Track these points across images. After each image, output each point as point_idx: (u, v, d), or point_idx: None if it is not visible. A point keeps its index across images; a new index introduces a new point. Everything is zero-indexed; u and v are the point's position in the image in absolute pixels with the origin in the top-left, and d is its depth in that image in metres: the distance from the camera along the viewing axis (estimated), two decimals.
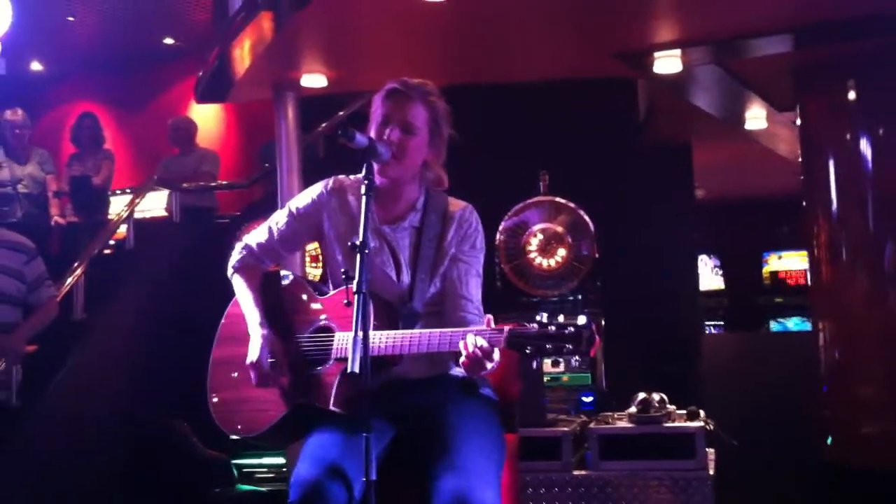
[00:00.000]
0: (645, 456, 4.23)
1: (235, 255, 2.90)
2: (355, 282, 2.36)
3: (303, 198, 2.86)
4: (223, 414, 2.78)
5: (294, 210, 2.86)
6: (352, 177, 2.82)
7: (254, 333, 2.72)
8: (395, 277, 2.74)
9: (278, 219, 2.88)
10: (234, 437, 2.79)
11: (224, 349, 2.84)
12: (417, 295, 2.72)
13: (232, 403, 2.76)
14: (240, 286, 2.85)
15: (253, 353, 2.68)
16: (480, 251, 2.82)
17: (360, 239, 2.39)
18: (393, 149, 2.66)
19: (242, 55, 5.07)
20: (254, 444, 2.89)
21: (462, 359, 2.42)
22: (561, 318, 2.35)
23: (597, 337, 2.34)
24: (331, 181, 2.85)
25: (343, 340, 2.58)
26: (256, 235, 2.90)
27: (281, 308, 2.78)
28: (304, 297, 2.81)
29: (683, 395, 4.68)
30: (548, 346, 2.34)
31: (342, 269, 2.62)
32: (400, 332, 2.54)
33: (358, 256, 2.38)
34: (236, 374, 2.77)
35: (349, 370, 2.28)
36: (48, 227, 7.45)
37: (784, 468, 5.59)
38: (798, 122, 5.30)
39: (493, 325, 2.44)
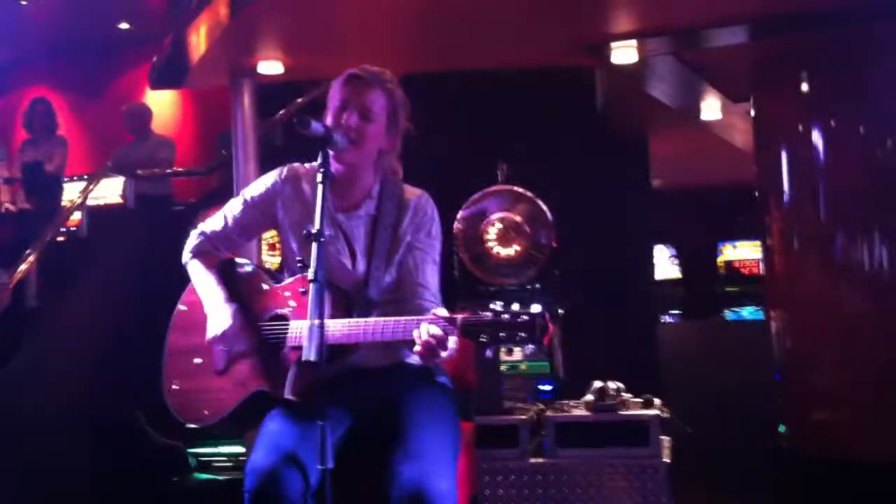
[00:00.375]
0: (601, 443, 4.27)
1: (192, 242, 2.89)
2: (311, 270, 2.36)
3: (257, 186, 2.85)
4: (180, 403, 2.76)
5: (248, 198, 2.85)
6: (307, 165, 2.82)
7: (218, 309, 2.70)
8: (350, 266, 2.74)
9: (233, 207, 2.87)
10: (192, 425, 2.77)
11: (179, 338, 2.83)
12: (373, 284, 2.72)
13: (188, 393, 2.75)
14: (198, 269, 2.83)
15: (220, 325, 2.66)
16: (437, 239, 2.83)
17: (316, 227, 2.39)
18: (351, 134, 2.66)
19: (198, 41, 5.02)
20: (211, 432, 2.88)
21: (416, 347, 2.42)
22: (516, 306, 2.36)
23: (550, 325, 2.35)
24: (285, 169, 2.84)
25: (298, 329, 2.57)
26: (212, 223, 2.89)
27: (237, 296, 2.77)
28: (261, 284, 2.80)
29: (641, 383, 4.72)
30: (501, 333, 2.34)
31: (297, 258, 2.62)
32: (355, 321, 2.54)
33: (314, 245, 2.38)
34: (193, 363, 2.76)
35: (304, 358, 2.28)
36: None
37: (738, 455, 5.66)
38: (752, 112, 5.35)
39: (447, 314, 2.44)
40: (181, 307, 2.88)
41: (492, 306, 2.37)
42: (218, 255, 2.88)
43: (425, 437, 2.51)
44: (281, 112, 7.31)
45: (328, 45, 5.14)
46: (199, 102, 10.25)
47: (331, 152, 2.55)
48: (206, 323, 2.72)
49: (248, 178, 5.23)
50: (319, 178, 2.46)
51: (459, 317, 2.40)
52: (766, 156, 5.17)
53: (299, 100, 7.20)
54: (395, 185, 2.82)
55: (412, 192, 2.83)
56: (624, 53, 4.95)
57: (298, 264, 2.49)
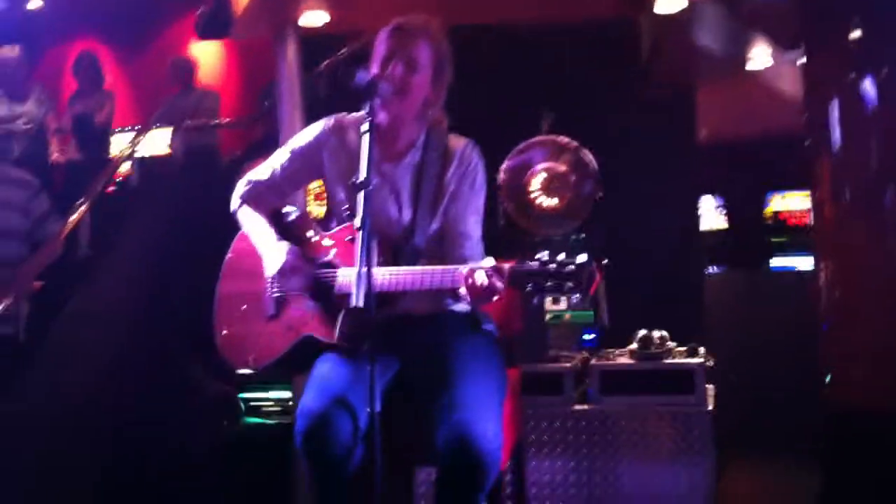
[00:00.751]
0: (645, 391, 4.30)
1: (240, 189, 2.93)
2: (357, 218, 2.39)
3: (303, 136, 2.88)
4: (230, 347, 2.82)
5: (295, 148, 2.88)
6: (352, 115, 2.84)
7: (273, 247, 2.75)
8: (396, 215, 2.76)
9: (280, 157, 2.90)
10: (242, 370, 2.83)
11: (230, 284, 2.88)
12: (419, 232, 2.75)
13: (238, 337, 2.80)
14: (248, 214, 2.88)
15: (277, 261, 2.71)
16: (481, 188, 2.84)
17: (362, 177, 2.41)
18: (396, 84, 2.66)
19: None
20: (261, 375, 2.94)
21: (464, 289, 2.44)
22: (562, 256, 2.37)
23: (597, 274, 2.37)
24: (331, 120, 2.86)
25: (347, 276, 2.61)
26: (259, 172, 2.92)
27: (290, 240, 2.81)
28: (309, 233, 2.83)
29: (685, 332, 4.72)
30: (548, 283, 2.37)
31: (344, 207, 2.65)
32: (402, 269, 2.58)
33: (360, 194, 2.40)
34: (243, 309, 2.81)
35: (353, 305, 2.32)
36: (47, 164, 7.44)
37: (782, 405, 5.66)
38: (802, 61, 5.27)
39: (493, 263, 2.46)
40: (230, 254, 2.93)
41: (538, 256, 2.39)
42: (266, 202, 2.92)
43: (470, 383, 2.55)
44: (325, 63, 7.31)
45: None
46: (244, 54, 10.26)
47: (376, 102, 2.57)
48: (256, 270, 2.77)
49: (292, 130, 5.23)
50: (365, 127, 2.48)
51: (507, 266, 2.42)
52: (816, 105, 5.08)
53: (343, 51, 7.20)
54: (441, 134, 2.83)
55: (457, 142, 2.84)
56: (670, 1, 4.88)
57: (346, 213, 2.51)
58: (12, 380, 4.78)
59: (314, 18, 5.26)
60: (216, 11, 5.44)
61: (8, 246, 4.62)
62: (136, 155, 7.44)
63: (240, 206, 2.92)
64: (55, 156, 7.52)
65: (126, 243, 6.50)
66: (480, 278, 2.42)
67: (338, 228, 2.78)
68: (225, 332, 2.85)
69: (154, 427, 5.57)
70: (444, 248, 2.77)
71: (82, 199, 6.24)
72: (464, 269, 2.46)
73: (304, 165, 2.88)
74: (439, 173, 2.79)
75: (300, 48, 5.44)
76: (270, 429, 5.94)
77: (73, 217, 6.10)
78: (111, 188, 7.45)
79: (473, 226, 2.80)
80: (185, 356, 5.98)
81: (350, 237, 2.43)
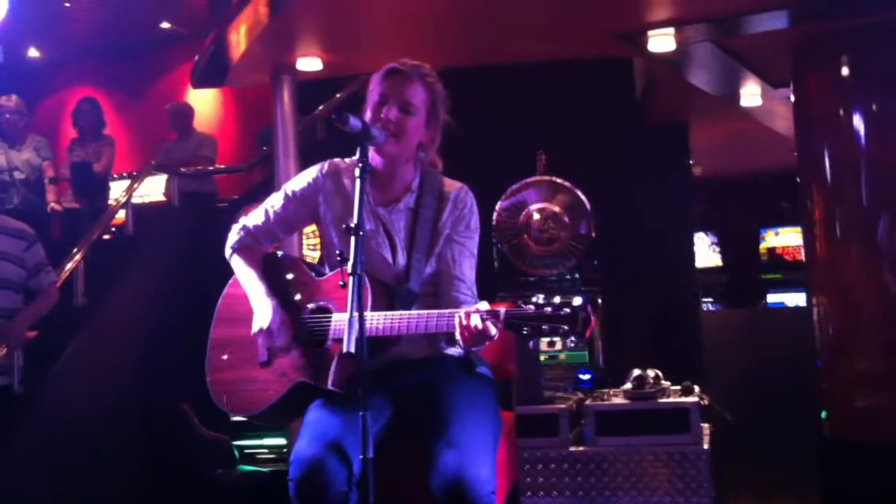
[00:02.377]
0: (641, 431, 4.29)
1: (233, 237, 2.93)
2: (350, 263, 2.40)
3: (298, 181, 2.89)
4: (223, 394, 2.81)
5: (290, 193, 2.89)
6: (347, 160, 2.85)
7: (261, 303, 2.75)
8: (390, 259, 2.77)
9: (274, 202, 2.91)
10: (235, 415, 2.83)
11: (222, 330, 2.88)
12: (414, 276, 2.75)
13: (231, 383, 2.80)
14: (240, 264, 2.88)
15: (263, 320, 2.71)
16: (475, 232, 2.85)
17: (355, 221, 2.43)
18: (391, 128, 2.69)
19: (238, 39, 5.08)
20: (255, 422, 2.93)
21: (458, 333, 2.45)
22: (557, 299, 2.38)
23: (592, 318, 2.37)
24: (326, 164, 2.87)
25: (340, 321, 2.61)
26: (253, 217, 2.93)
27: (280, 288, 2.81)
28: (302, 277, 2.84)
29: (681, 371, 4.73)
30: (544, 326, 2.37)
31: (337, 251, 2.66)
32: (397, 313, 2.58)
33: (353, 238, 2.42)
34: (236, 354, 2.81)
35: (345, 350, 2.32)
36: (45, 213, 7.46)
37: (780, 442, 5.63)
38: (793, 98, 5.31)
39: (488, 307, 2.47)
40: (224, 299, 2.94)
41: (534, 299, 2.40)
42: (260, 248, 2.93)
43: (466, 425, 2.54)
44: (320, 107, 7.38)
45: (365, 42, 5.18)
46: (240, 100, 10.35)
47: (370, 146, 2.59)
48: (249, 315, 2.78)
49: (289, 173, 5.29)
50: (358, 172, 2.50)
51: (502, 310, 2.42)
52: (808, 141, 5.13)
53: (338, 95, 7.26)
54: (435, 177, 2.85)
55: (452, 185, 2.86)
56: (661, 42, 4.92)
57: (338, 258, 2.53)
58: (9, 430, 4.76)
59: (309, 64, 5.32)
60: (212, 60, 5.49)
61: (3, 296, 4.62)
62: (133, 202, 7.45)
63: (231, 255, 2.93)
64: (52, 205, 7.55)
65: (122, 291, 6.51)
66: (475, 322, 2.42)
67: (331, 273, 2.79)
68: (217, 377, 2.83)
69: (150, 475, 5.54)
70: (438, 292, 2.78)
71: (78, 248, 6.25)
72: (459, 313, 2.46)
73: (299, 209, 2.89)
74: (434, 217, 2.79)
75: (296, 93, 5.48)
76: (265, 476, 5.91)
77: (69, 266, 6.11)
78: (108, 236, 7.47)
79: (468, 270, 2.81)
80: (181, 403, 5.97)
81: (343, 282, 2.43)
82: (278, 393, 2.69)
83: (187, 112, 8.31)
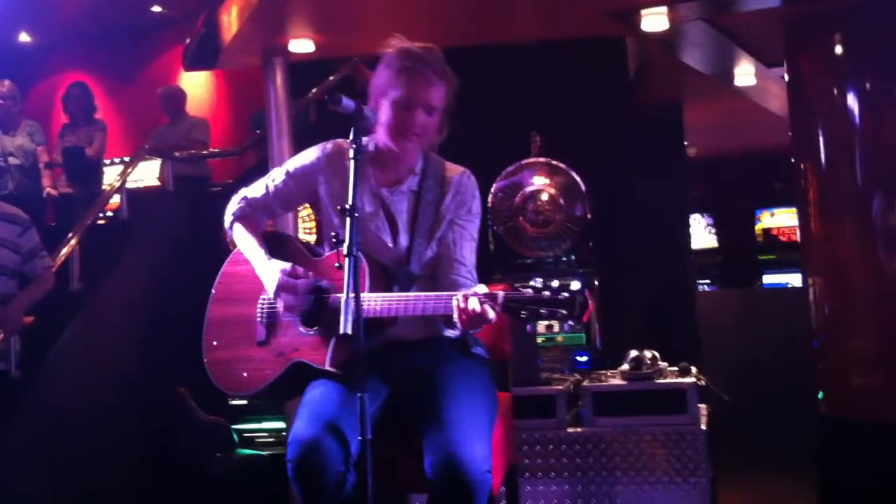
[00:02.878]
0: (638, 412, 4.30)
1: (233, 206, 2.93)
2: (345, 244, 2.39)
3: (300, 158, 2.88)
4: (220, 373, 2.81)
5: (290, 170, 2.88)
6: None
7: (267, 267, 2.75)
8: (391, 241, 2.77)
9: (275, 176, 2.91)
10: (231, 395, 2.83)
11: (219, 309, 2.88)
12: (415, 258, 2.75)
13: (228, 363, 2.79)
14: (241, 232, 2.88)
15: (274, 280, 2.69)
16: (476, 216, 2.86)
17: (350, 202, 2.42)
18: (416, 131, 2.68)
19: (230, 21, 5.05)
20: (252, 401, 2.92)
21: (456, 315, 2.45)
22: (555, 283, 2.38)
23: (590, 302, 2.38)
24: (329, 144, 2.86)
25: (338, 302, 2.60)
26: (254, 190, 2.93)
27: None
28: (299, 257, 2.83)
29: (678, 352, 4.73)
30: (542, 310, 2.37)
31: (333, 233, 2.65)
32: (395, 295, 2.58)
33: (347, 220, 2.41)
34: (232, 334, 2.81)
35: (341, 331, 2.32)
36: (40, 198, 7.45)
37: (777, 422, 5.66)
38: (786, 77, 5.30)
39: (486, 290, 2.46)
40: (221, 278, 2.94)
41: (531, 283, 2.40)
42: (258, 220, 2.93)
43: (460, 406, 2.55)
44: (313, 90, 7.35)
45: (357, 23, 5.15)
46: (233, 83, 10.31)
47: (379, 133, 2.58)
48: (246, 294, 2.78)
49: (282, 156, 5.27)
50: (352, 153, 2.50)
51: (501, 293, 2.42)
52: (802, 120, 5.11)
53: (331, 77, 7.24)
54: (438, 161, 2.85)
55: (454, 169, 2.86)
56: (654, 21, 4.90)
57: (333, 239, 2.52)
58: (6, 415, 4.76)
59: (301, 45, 5.29)
60: (203, 42, 5.46)
61: None
62: (127, 186, 7.43)
63: (232, 223, 2.92)
64: (47, 190, 7.53)
65: (118, 276, 6.50)
66: (473, 305, 2.42)
67: (329, 253, 2.78)
68: (213, 357, 2.83)
69: (147, 459, 5.55)
70: (437, 275, 2.78)
71: (73, 233, 6.24)
72: (457, 295, 2.46)
73: (299, 187, 2.88)
74: (436, 200, 2.80)
75: (288, 75, 5.46)
76: (264, 460, 5.92)
77: (65, 250, 6.10)
78: (102, 220, 7.46)
79: (468, 253, 2.81)
80: (178, 387, 5.97)
81: (339, 264, 2.43)
82: (275, 373, 2.69)
83: (179, 96, 8.28)
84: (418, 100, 2.67)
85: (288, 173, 2.88)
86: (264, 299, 2.77)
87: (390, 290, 2.63)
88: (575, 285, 2.38)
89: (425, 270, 2.77)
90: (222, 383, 2.79)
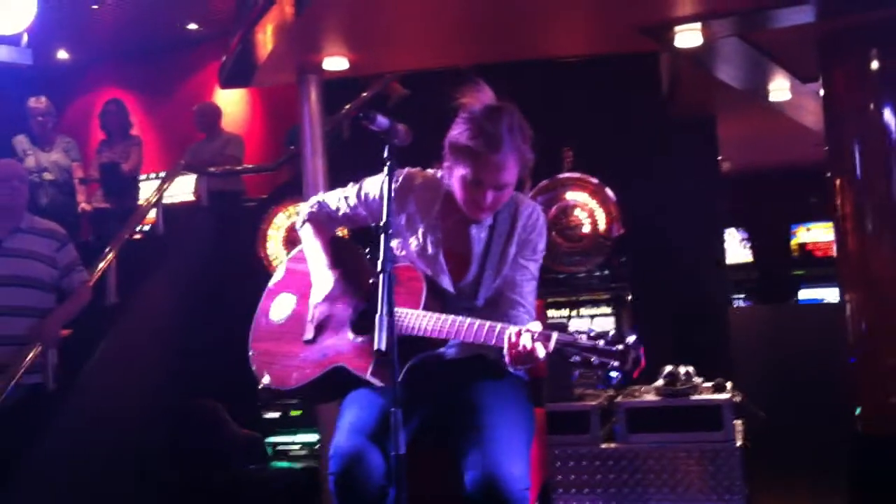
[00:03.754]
0: (672, 428, 4.26)
1: (307, 208, 2.99)
2: (379, 261, 2.40)
3: (374, 185, 2.86)
4: (262, 364, 2.84)
5: (363, 195, 2.89)
6: (426, 172, 2.86)
7: (323, 274, 2.80)
8: (461, 268, 2.78)
9: (349, 194, 2.93)
10: (269, 388, 2.83)
11: (273, 303, 2.92)
12: (482, 291, 2.76)
13: (272, 355, 2.82)
14: (309, 234, 2.93)
15: (324, 289, 2.74)
16: (541, 254, 2.86)
17: (385, 219, 2.44)
18: (486, 206, 2.67)
19: (265, 39, 5.10)
20: (287, 396, 2.91)
21: (507, 350, 2.44)
22: (612, 333, 2.34)
23: (643, 360, 2.33)
24: (402, 175, 2.85)
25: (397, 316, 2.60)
26: (329, 198, 2.97)
27: (341, 269, 2.84)
28: (361, 267, 2.87)
29: (712, 367, 4.69)
30: (593, 358, 2.33)
31: (402, 254, 2.75)
32: (449, 317, 2.56)
33: (382, 237, 2.42)
34: (282, 328, 2.84)
35: (375, 347, 2.33)
36: (75, 213, 7.54)
37: (813, 439, 5.58)
38: (821, 92, 5.27)
39: (540, 328, 2.44)
40: (281, 273, 2.97)
41: (586, 330, 2.38)
42: (329, 225, 2.98)
43: (500, 424, 2.55)
44: (347, 107, 7.40)
45: (392, 40, 5.18)
46: (267, 100, 10.39)
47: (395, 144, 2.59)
48: (305, 290, 2.82)
49: (316, 173, 5.31)
50: (385, 171, 2.50)
51: (554, 334, 2.39)
52: (837, 135, 5.08)
53: (364, 94, 7.28)
54: (511, 196, 2.83)
55: (524, 203, 2.85)
56: (688, 37, 4.89)
57: (403, 258, 2.56)
58: (43, 428, 4.82)
59: (335, 63, 5.33)
60: (239, 60, 5.51)
61: (35, 296, 4.67)
62: (162, 202, 7.50)
63: (303, 223, 2.97)
64: (82, 205, 7.62)
65: (153, 290, 6.56)
66: (525, 342, 2.40)
67: (396, 266, 2.77)
68: (259, 347, 2.86)
69: (181, 472, 5.59)
70: (497, 311, 2.76)
71: (109, 247, 6.31)
72: (510, 329, 2.45)
73: (369, 212, 2.89)
74: (507, 235, 2.79)
75: (322, 92, 5.50)
76: (297, 473, 5.94)
77: (101, 265, 6.16)
78: (138, 235, 7.53)
79: (528, 294, 2.80)
80: (212, 401, 6.01)
81: (372, 280, 2.44)
82: (316, 374, 2.71)
83: (214, 112, 8.36)
84: (487, 180, 2.65)
85: (359, 197, 2.89)
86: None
87: (445, 312, 2.62)
88: (631, 339, 2.33)
89: (486, 303, 2.78)
90: (263, 375, 2.81)
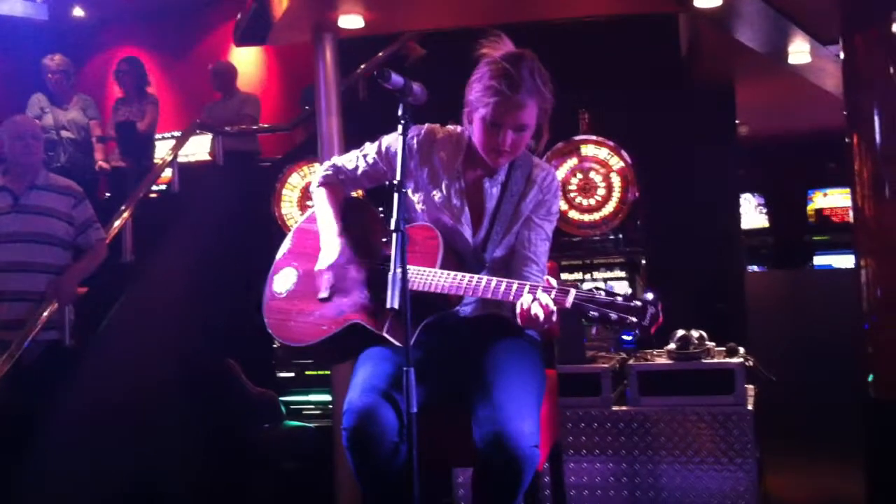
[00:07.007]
0: (684, 392, 4.26)
1: (322, 171, 2.99)
2: (392, 220, 2.41)
3: (395, 140, 2.85)
4: (277, 321, 2.85)
5: (383, 149, 2.90)
6: (446, 128, 2.87)
7: (331, 241, 2.80)
8: (472, 225, 2.80)
9: (367, 151, 2.94)
10: (283, 343, 2.84)
11: (288, 261, 2.93)
12: (490, 247, 2.78)
13: (287, 312, 2.84)
14: (322, 198, 2.94)
15: (329, 257, 2.76)
16: (555, 216, 2.88)
17: (398, 178, 2.45)
18: (506, 149, 2.68)
19: None
20: (305, 353, 2.92)
21: (519, 309, 2.46)
22: (628, 291, 2.37)
23: (661, 316, 2.35)
24: (423, 129, 2.86)
25: (412, 273, 2.61)
26: (345, 160, 2.98)
27: (354, 231, 2.85)
28: (377, 227, 2.88)
29: (726, 333, 4.69)
30: (611, 314, 2.35)
31: (421, 210, 2.76)
32: (466, 275, 2.59)
33: (395, 195, 2.43)
34: (297, 286, 2.85)
35: (388, 305, 2.34)
36: (93, 171, 7.56)
37: (826, 404, 5.60)
38: (841, 55, 5.21)
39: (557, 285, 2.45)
40: (297, 231, 3.00)
41: (604, 289, 2.41)
42: (343, 188, 2.98)
43: (511, 382, 2.57)
44: (362, 66, 7.37)
45: None
46: (283, 60, 10.36)
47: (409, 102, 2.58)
48: (318, 252, 2.82)
49: (331, 133, 5.29)
50: (400, 129, 2.51)
51: (573, 290, 2.41)
52: (857, 100, 5.02)
53: (380, 54, 7.24)
54: (526, 156, 2.85)
55: (540, 167, 2.86)
56: None
57: (423, 216, 2.57)
58: (60, 384, 4.87)
59: (351, 21, 5.30)
60: (254, 18, 5.49)
61: (52, 253, 4.71)
62: (178, 161, 7.51)
63: (317, 186, 2.98)
64: (100, 163, 7.63)
65: (169, 249, 6.59)
66: (544, 300, 2.42)
67: (412, 225, 2.78)
68: (273, 305, 2.87)
69: (196, 429, 5.64)
70: (510, 268, 2.79)
71: (125, 206, 6.33)
72: (527, 285, 2.47)
73: (389, 167, 2.88)
74: (520, 195, 2.81)
75: (338, 51, 5.47)
76: (311, 431, 5.99)
77: (117, 223, 6.19)
78: (154, 194, 7.55)
79: (541, 253, 2.82)
80: (228, 359, 6.05)
81: (385, 238, 2.45)
82: (332, 330, 2.72)
83: (230, 72, 8.34)
84: (507, 121, 2.65)
85: (380, 151, 2.90)
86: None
87: (460, 270, 2.65)
88: (649, 296, 2.36)
89: (496, 261, 2.80)
90: (279, 332, 2.83)
